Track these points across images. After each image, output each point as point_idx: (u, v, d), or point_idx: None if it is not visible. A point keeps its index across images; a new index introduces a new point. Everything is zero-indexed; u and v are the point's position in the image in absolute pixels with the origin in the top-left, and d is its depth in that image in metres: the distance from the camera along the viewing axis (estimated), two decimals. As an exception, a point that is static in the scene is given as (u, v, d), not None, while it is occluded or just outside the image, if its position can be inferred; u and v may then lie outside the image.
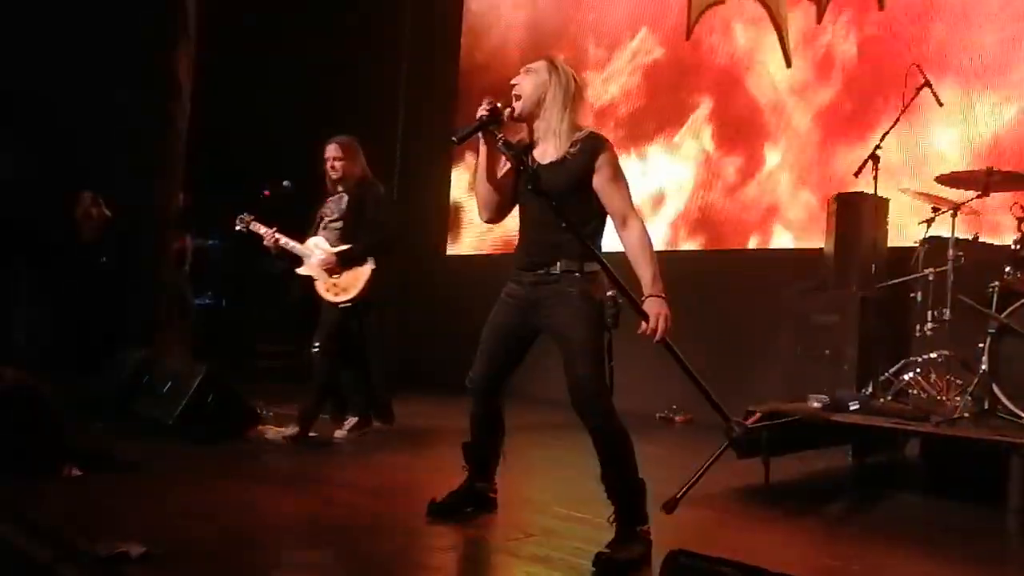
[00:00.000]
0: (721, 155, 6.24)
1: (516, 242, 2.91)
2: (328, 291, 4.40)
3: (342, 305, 4.35)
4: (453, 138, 2.76)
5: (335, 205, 4.48)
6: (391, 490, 3.54)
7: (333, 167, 4.42)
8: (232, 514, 2.92)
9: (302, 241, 4.49)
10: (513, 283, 2.84)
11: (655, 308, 2.54)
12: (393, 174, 8.35)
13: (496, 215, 2.91)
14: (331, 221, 4.47)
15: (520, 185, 2.78)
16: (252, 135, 6.18)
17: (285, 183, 4.55)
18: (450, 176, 8.08)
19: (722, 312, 5.84)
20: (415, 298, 7.69)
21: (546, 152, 2.77)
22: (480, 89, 7.79)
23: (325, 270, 4.38)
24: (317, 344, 4.37)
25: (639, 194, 6.59)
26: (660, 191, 6.57)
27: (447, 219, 8.09)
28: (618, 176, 2.71)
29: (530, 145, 2.83)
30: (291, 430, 4.29)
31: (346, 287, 4.37)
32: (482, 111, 2.70)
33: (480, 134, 2.73)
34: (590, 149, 2.69)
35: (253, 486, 3.35)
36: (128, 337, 5.75)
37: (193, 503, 3.02)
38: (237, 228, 4.59)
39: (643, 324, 2.54)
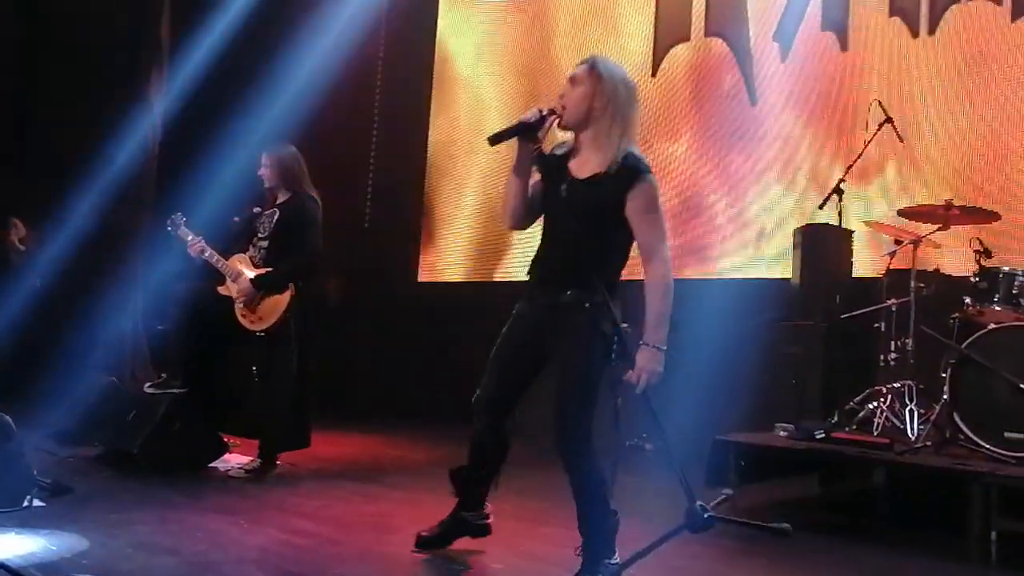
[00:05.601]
0: (686, 186, 6.32)
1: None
2: (244, 317, 4.23)
3: (259, 334, 4.20)
4: (488, 138, 2.61)
5: (267, 221, 4.37)
6: (357, 520, 3.50)
7: (261, 175, 4.39)
8: (195, 546, 2.87)
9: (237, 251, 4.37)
10: (524, 302, 2.74)
11: (643, 360, 2.47)
12: (366, 198, 8.38)
13: (518, 223, 2.78)
14: (261, 239, 4.35)
15: (546, 198, 2.68)
16: (222, 161, 6.16)
17: (255, 209, 4.51)
18: (423, 201, 8.10)
19: (690, 340, 5.86)
20: (386, 325, 7.67)
21: (586, 165, 2.63)
22: (456, 109, 7.90)
23: (240, 298, 4.23)
24: (254, 368, 4.25)
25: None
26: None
27: (420, 245, 8.10)
28: (652, 209, 2.57)
29: (569, 154, 2.69)
30: (253, 462, 4.21)
31: (263, 315, 4.21)
32: (526, 116, 2.60)
33: (518, 140, 2.61)
34: (629, 174, 2.55)
35: (217, 517, 3.30)
36: (93, 363, 5.67)
37: (155, 534, 2.97)
38: (168, 228, 4.43)
39: (629, 371, 2.48)
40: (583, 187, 2.59)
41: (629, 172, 2.55)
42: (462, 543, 2.96)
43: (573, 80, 2.65)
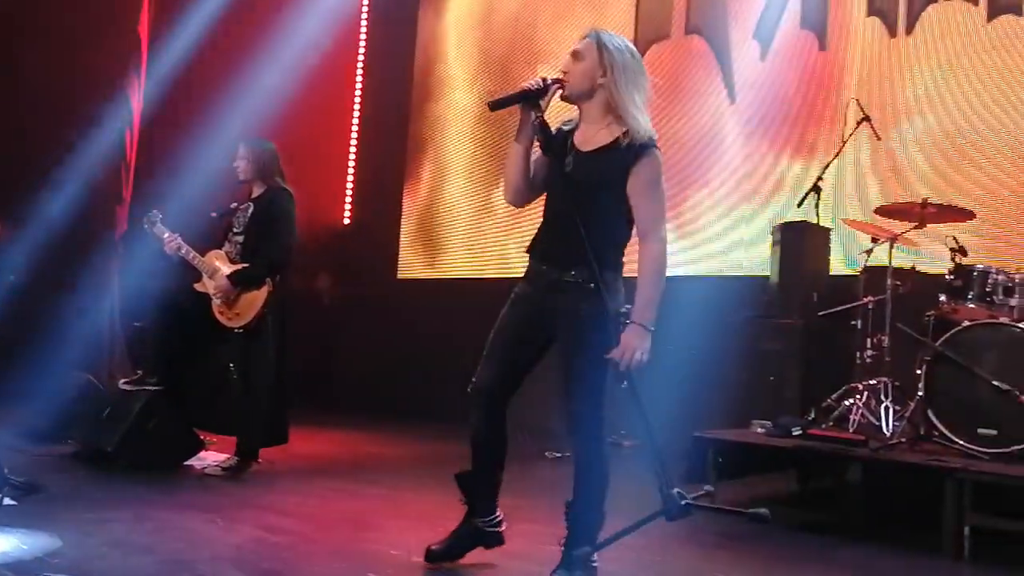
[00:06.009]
0: (665, 184, 6.33)
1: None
2: (221, 314, 4.21)
3: (236, 331, 4.18)
4: (488, 102, 2.56)
5: (242, 216, 4.35)
6: (335, 518, 3.50)
7: (237, 166, 4.36)
8: (170, 544, 2.85)
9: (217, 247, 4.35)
10: (525, 283, 2.66)
11: (629, 338, 2.41)
12: (346, 196, 8.35)
13: (518, 199, 2.68)
14: (236, 233, 4.34)
15: (549, 172, 2.60)
16: (199, 157, 6.11)
17: (232, 205, 4.48)
18: (402, 198, 8.08)
19: (669, 337, 5.88)
20: (365, 322, 7.65)
21: (591, 138, 2.57)
22: (437, 106, 7.88)
23: (218, 295, 4.20)
24: (232, 365, 4.23)
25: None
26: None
27: (399, 242, 8.08)
28: (654, 187, 2.53)
29: (573, 129, 2.63)
30: (230, 459, 4.19)
31: (240, 311, 4.19)
32: (528, 84, 2.52)
33: (520, 108, 2.53)
34: (636, 149, 2.49)
35: (193, 515, 3.27)
36: (68, 360, 5.62)
37: (131, 533, 2.94)
38: (144, 226, 4.40)
39: (614, 349, 2.41)
40: (587, 160, 2.54)
41: (637, 147, 2.49)
42: (434, 538, 2.81)
43: (576, 54, 2.58)
